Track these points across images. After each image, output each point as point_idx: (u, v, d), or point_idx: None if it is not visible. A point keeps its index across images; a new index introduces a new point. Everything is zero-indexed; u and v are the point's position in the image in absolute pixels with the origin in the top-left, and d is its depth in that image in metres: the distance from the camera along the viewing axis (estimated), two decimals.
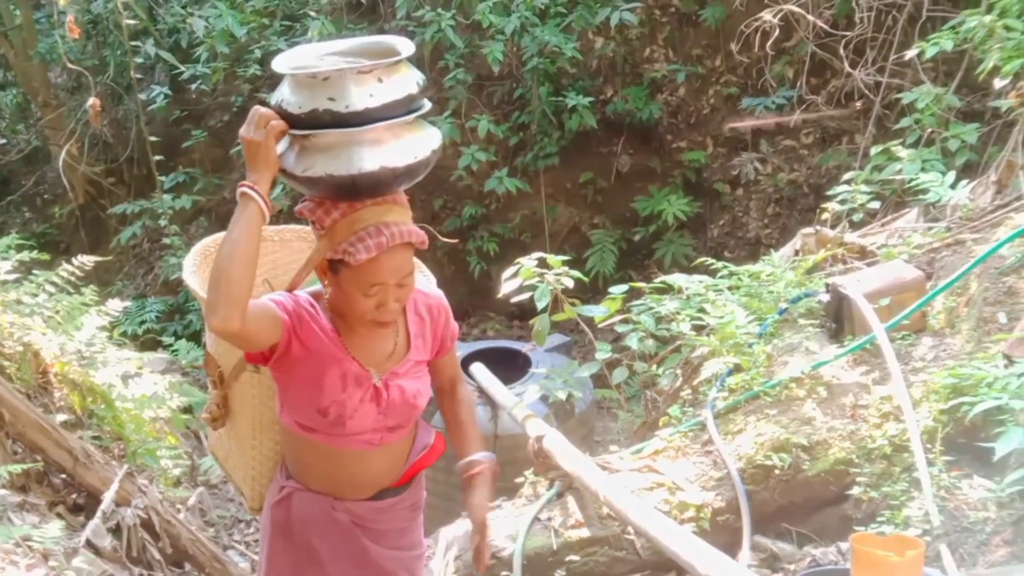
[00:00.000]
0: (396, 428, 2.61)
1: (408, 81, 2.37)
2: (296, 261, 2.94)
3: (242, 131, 2.32)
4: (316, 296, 2.54)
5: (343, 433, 2.54)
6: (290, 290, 2.52)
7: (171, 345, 8.50)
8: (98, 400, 5.23)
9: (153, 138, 9.46)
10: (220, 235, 3.54)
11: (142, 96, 10.30)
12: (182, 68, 9.99)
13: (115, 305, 6.24)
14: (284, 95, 2.36)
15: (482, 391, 6.08)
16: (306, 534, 2.67)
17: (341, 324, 2.52)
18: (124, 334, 7.01)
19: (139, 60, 9.97)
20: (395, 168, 2.33)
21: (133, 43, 9.69)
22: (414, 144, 2.37)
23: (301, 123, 2.32)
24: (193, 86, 10.32)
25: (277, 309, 2.44)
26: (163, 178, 9.86)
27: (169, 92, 10.51)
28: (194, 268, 3.03)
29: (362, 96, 2.28)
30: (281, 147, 2.37)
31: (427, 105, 2.44)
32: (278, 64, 2.38)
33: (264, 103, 2.40)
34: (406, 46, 2.41)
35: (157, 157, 9.43)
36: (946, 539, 3.53)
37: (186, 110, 10.94)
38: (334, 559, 2.67)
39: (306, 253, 2.51)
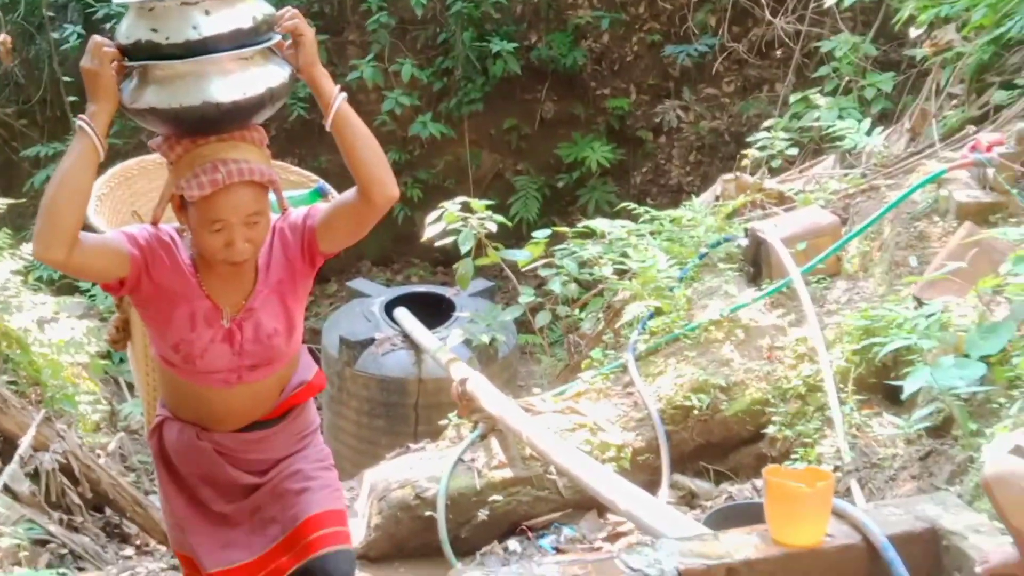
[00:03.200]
0: (256, 367, 2.54)
1: (242, 15, 2.28)
2: (156, 189, 2.90)
3: (81, 61, 2.28)
4: (181, 230, 2.49)
5: (196, 371, 2.51)
6: (153, 224, 2.48)
7: (88, 290, 8.34)
8: (13, 345, 5.13)
9: (66, 78, 9.21)
10: (121, 166, 3.47)
11: (55, 35, 9.98)
12: (96, 6, 9.72)
13: (29, 249, 6.10)
14: (120, 25, 2.31)
15: (406, 335, 6.10)
16: (179, 461, 2.65)
17: (201, 261, 2.47)
18: (40, 279, 6.86)
19: None
20: (220, 104, 2.25)
21: None
22: (246, 80, 2.29)
23: (131, 54, 2.27)
24: (108, 25, 10.03)
25: (127, 243, 2.39)
26: (77, 120, 9.62)
27: (83, 31, 10.20)
28: (97, 207, 3.01)
29: (184, 28, 2.21)
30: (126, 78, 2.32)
31: (272, 39, 2.34)
32: None
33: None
34: None
35: (71, 98, 9.18)
36: (856, 475, 3.65)
37: None
38: (206, 484, 2.64)
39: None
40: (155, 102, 2.27)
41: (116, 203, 3.38)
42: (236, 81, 2.28)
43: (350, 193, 2.47)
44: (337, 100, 2.38)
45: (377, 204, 2.44)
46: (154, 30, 2.22)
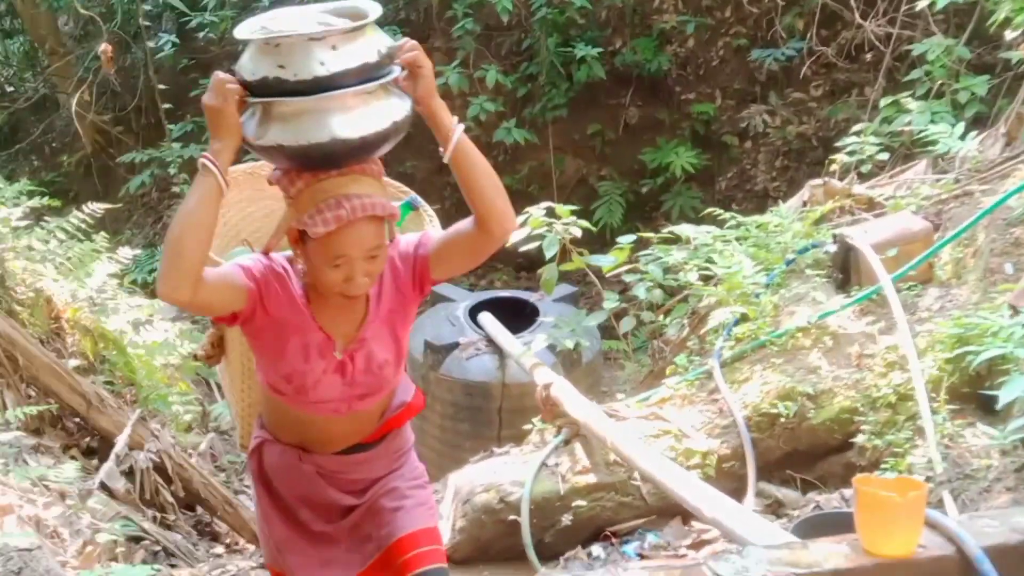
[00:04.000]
0: (366, 396, 2.55)
1: (367, 49, 2.25)
2: (244, 200, 2.94)
3: (203, 96, 2.27)
4: (293, 260, 2.47)
5: (307, 400, 2.51)
6: (265, 253, 2.48)
7: None
8: (110, 346, 5.29)
9: (162, 86, 9.45)
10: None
11: (150, 44, 10.25)
12: (190, 15, 9.96)
13: (125, 253, 6.27)
14: (243, 60, 2.29)
15: (490, 340, 6.13)
16: (279, 482, 2.67)
17: (313, 292, 2.45)
18: (134, 282, 7.05)
19: (147, 7, 9.93)
20: (347, 140, 2.23)
21: None
22: (371, 115, 2.26)
23: (255, 90, 2.25)
24: (201, 34, 10.28)
25: (243, 276, 2.38)
26: (172, 127, 9.86)
27: (177, 40, 10.45)
28: None
29: (312, 65, 2.18)
30: (248, 114, 2.30)
31: (393, 72, 2.30)
32: (240, 29, 2.30)
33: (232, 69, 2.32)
34: (373, 10, 2.30)
35: (166, 105, 9.42)
36: (949, 486, 3.58)
37: (194, 58, 10.88)
38: (305, 505, 2.66)
39: (277, 200, 2.47)
40: (281, 139, 2.25)
41: None
42: (360, 116, 2.26)
43: (466, 223, 2.43)
44: (456, 133, 2.34)
45: (495, 236, 2.41)
46: (281, 67, 2.20)
